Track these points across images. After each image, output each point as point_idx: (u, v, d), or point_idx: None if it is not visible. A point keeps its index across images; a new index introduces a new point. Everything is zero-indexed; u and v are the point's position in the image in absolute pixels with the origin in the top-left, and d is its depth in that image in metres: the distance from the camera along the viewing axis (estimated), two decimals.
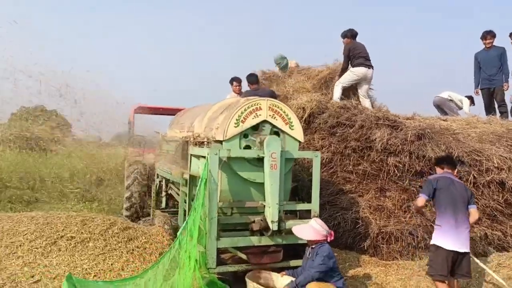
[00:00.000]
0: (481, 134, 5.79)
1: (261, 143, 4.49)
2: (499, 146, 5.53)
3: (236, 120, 4.44)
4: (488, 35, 7.50)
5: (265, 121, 4.57)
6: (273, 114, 4.60)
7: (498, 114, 7.49)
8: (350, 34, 7.36)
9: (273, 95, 6.81)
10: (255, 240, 4.50)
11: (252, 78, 6.86)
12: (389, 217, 5.72)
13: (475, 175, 5.43)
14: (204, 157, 4.61)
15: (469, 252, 4.18)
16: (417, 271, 5.13)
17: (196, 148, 4.89)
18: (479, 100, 8.02)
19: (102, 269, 4.47)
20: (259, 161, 4.56)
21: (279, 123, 4.62)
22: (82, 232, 4.72)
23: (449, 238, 4.06)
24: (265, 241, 4.53)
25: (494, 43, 7.51)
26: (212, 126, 4.76)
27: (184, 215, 5.59)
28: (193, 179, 5.08)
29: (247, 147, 4.56)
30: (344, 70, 7.24)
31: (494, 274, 4.70)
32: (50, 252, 4.47)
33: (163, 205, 7.35)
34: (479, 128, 6.02)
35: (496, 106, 7.59)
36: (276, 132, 4.63)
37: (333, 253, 4.07)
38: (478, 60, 7.67)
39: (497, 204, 5.54)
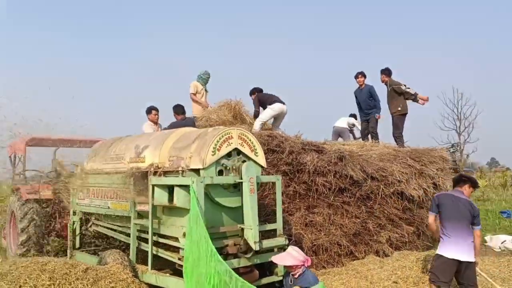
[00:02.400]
0: (380, 155, 7.10)
1: (236, 169, 4.79)
2: (396, 163, 6.89)
3: (213, 148, 4.65)
4: (359, 74, 9.17)
5: (235, 149, 4.89)
6: (242, 142, 4.94)
7: (370, 139, 9.15)
8: (256, 90, 8.44)
9: (195, 124, 7.13)
10: (235, 263, 4.70)
11: (179, 109, 7.08)
12: (319, 230, 6.48)
13: (383, 188, 6.63)
14: (180, 186, 4.67)
15: (472, 262, 4.45)
16: (352, 275, 5.95)
17: (165, 178, 4.86)
18: None
19: None
20: (234, 186, 4.84)
21: (246, 151, 4.97)
22: (43, 279, 4.20)
23: (450, 247, 4.43)
24: (243, 262, 4.77)
25: (365, 82, 9.20)
26: (182, 155, 4.83)
27: (137, 249, 5.40)
28: (154, 210, 5.02)
29: (219, 173, 4.78)
30: (256, 113, 8.16)
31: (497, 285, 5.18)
32: None
33: (77, 244, 6.74)
34: (375, 151, 7.35)
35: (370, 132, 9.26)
36: (243, 160, 4.97)
37: (315, 277, 4.42)
38: (356, 97, 9.30)
39: (397, 210, 6.84)
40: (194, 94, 8.66)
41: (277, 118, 8.13)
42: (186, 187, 4.62)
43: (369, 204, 6.74)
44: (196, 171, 4.65)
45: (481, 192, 18.79)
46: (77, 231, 6.69)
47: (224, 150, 4.76)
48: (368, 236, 6.76)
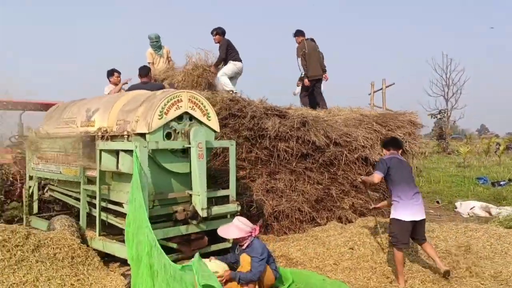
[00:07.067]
0: (345, 120, 6.96)
1: (185, 134, 4.61)
2: (361, 129, 6.77)
3: (160, 112, 4.45)
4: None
5: (185, 113, 4.69)
6: (193, 106, 4.74)
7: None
8: (221, 31, 7.99)
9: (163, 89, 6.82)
10: (183, 229, 4.61)
11: (142, 71, 6.78)
12: (280, 197, 6.40)
13: (347, 154, 6.53)
14: (126, 151, 4.50)
15: (424, 219, 4.68)
16: (310, 241, 5.91)
17: (111, 142, 4.68)
18: None
19: (14, 283, 3.98)
20: (182, 152, 4.67)
21: (197, 114, 4.79)
22: None
23: (407, 210, 4.52)
24: (191, 229, 4.69)
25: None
26: (128, 119, 4.63)
27: (89, 215, 5.28)
28: (102, 176, 4.86)
29: (167, 137, 4.60)
30: (222, 60, 7.82)
31: None
32: None
33: (35, 210, 6.60)
34: (342, 116, 7.20)
35: None
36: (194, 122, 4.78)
37: (263, 246, 4.23)
38: None
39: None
40: (152, 64, 8.32)
41: (235, 76, 7.90)
42: (131, 152, 4.44)
43: (332, 170, 6.65)
44: (143, 135, 4.47)
45: (462, 158, 18.97)
46: (34, 197, 6.54)
47: (173, 114, 4.57)
48: (331, 202, 6.71)
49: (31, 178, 6.49)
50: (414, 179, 4.79)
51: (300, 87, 8.76)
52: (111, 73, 7.79)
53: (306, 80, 8.35)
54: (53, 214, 6.39)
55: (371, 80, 10.76)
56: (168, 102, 4.51)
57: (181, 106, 4.63)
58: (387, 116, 7.26)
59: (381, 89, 9.52)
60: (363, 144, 6.57)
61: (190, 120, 4.74)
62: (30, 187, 6.48)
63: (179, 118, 4.67)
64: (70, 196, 5.81)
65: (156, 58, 8.44)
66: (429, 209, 9.89)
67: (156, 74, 8.14)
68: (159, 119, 4.44)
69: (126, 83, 7.55)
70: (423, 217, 4.65)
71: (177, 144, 4.55)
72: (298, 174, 6.49)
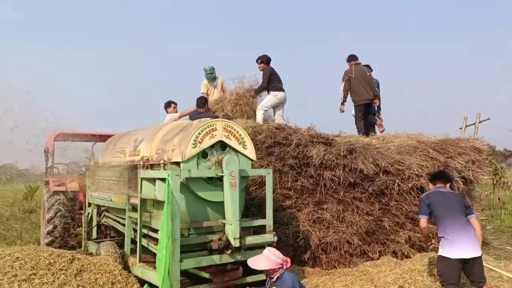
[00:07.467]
0: (399, 147, 6.57)
1: (219, 162, 4.63)
2: (416, 156, 6.33)
3: (194, 141, 4.53)
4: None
5: (220, 141, 4.73)
6: (228, 135, 4.77)
7: None
8: (266, 60, 8.08)
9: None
10: (216, 259, 4.57)
11: (199, 102, 7.14)
12: (328, 228, 6.13)
13: (399, 183, 6.13)
14: (161, 179, 4.61)
15: (479, 257, 4.15)
16: (358, 277, 5.55)
17: (150, 171, 4.83)
18: None
19: None
20: (216, 180, 4.69)
21: (233, 143, 4.80)
22: (25, 269, 4.33)
23: (454, 246, 4.11)
24: (225, 258, 4.63)
25: None
26: (166, 148, 4.76)
27: (132, 242, 5.44)
28: (143, 203, 5.01)
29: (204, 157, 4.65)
30: (263, 89, 7.95)
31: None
32: None
33: (94, 235, 6.97)
34: (396, 142, 6.82)
35: None
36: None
37: (294, 279, 4.03)
38: None
39: (418, 207, 6.28)
40: (207, 94, 8.62)
41: (278, 106, 7.89)
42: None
43: (384, 201, 6.26)
44: (178, 164, 4.56)
45: None
46: (94, 223, 6.91)
47: (207, 142, 4.63)
48: (383, 235, 6.29)
49: (89, 205, 6.89)
50: (463, 210, 4.29)
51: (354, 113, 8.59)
52: (168, 104, 8.30)
53: (342, 107, 8.22)
54: (105, 239, 6.70)
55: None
56: (202, 131, 4.58)
57: (215, 135, 4.68)
58: (447, 143, 6.71)
59: (474, 123, 8.87)
60: (417, 172, 6.12)
61: (225, 149, 4.77)
62: (88, 213, 6.87)
63: (222, 148, 4.73)
64: (119, 222, 6.06)
65: (210, 89, 8.74)
66: (507, 246, 8.94)
67: (210, 104, 8.41)
68: (193, 147, 4.52)
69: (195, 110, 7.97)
70: (477, 254, 4.12)
71: (210, 172, 4.58)
72: (346, 204, 6.20)
